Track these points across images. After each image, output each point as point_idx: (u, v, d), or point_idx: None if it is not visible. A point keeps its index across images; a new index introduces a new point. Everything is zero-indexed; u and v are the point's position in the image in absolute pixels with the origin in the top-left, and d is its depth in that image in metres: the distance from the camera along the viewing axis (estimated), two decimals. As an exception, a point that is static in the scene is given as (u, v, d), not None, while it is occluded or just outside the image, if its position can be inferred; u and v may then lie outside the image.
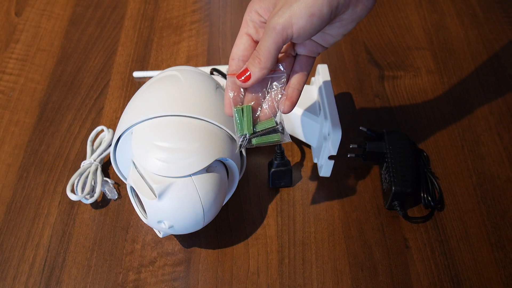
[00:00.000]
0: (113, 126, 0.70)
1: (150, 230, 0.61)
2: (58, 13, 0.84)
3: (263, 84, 0.47)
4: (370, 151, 0.64)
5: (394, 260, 0.59)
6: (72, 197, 0.59)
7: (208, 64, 0.77)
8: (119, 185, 0.64)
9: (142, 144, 0.52)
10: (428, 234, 0.60)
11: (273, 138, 0.47)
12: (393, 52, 0.79)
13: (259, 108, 0.47)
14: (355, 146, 0.64)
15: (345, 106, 0.72)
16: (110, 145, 0.61)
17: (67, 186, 0.60)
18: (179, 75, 0.57)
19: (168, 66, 0.77)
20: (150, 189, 0.51)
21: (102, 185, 0.62)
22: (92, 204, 0.63)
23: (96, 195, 0.61)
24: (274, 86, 0.47)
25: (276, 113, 0.47)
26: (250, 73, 0.45)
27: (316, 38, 0.47)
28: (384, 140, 0.63)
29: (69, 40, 0.80)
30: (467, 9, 0.85)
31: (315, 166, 0.66)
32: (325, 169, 0.62)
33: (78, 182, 0.61)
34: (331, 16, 0.42)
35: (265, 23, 0.44)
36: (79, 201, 0.62)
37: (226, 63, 0.76)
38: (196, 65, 0.77)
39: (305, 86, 0.67)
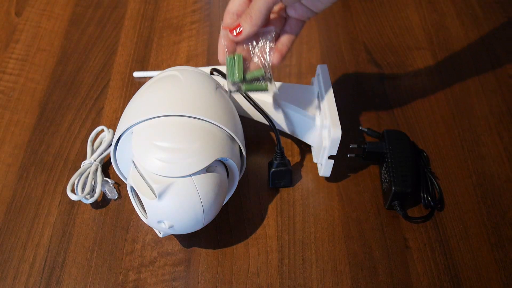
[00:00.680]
0: (113, 126, 0.70)
1: (150, 230, 0.61)
2: (58, 13, 0.84)
3: (254, 38, 0.51)
4: (370, 151, 0.64)
5: (394, 260, 0.59)
6: (72, 197, 0.59)
7: (208, 64, 0.77)
8: (119, 185, 0.64)
9: (142, 144, 0.52)
10: (428, 234, 0.60)
11: (262, 86, 0.52)
12: (393, 52, 0.79)
13: (250, 60, 0.52)
14: (355, 146, 0.64)
15: (345, 106, 0.72)
16: (110, 145, 0.61)
17: (67, 186, 0.60)
18: (179, 75, 0.57)
19: (168, 66, 0.77)
20: (150, 189, 0.51)
21: (102, 185, 0.62)
22: (92, 204, 0.63)
23: (96, 195, 0.61)
24: (263, 41, 0.51)
25: (265, 64, 0.51)
26: (241, 29, 0.49)
27: (306, 2, 0.50)
28: (384, 140, 0.63)
29: (69, 40, 0.80)
30: (467, 9, 0.85)
31: (315, 166, 0.66)
32: (325, 169, 0.62)
33: (78, 182, 0.61)
34: None
35: None
36: (79, 201, 0.62)
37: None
38: (196, 65, 0.77)
39: (305, 86, 0.67)
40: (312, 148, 0.67)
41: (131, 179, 0.53)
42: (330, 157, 0.60)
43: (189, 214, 0.52)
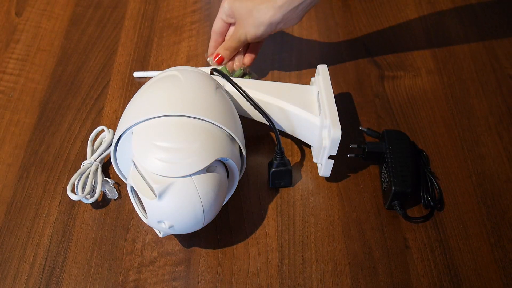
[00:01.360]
0: (113, 126, 0.70)
1: (150, 230, 0.61)
2: (58, 13, 0.85)
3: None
4: (370, 151, 0.64)
5: (394, 260, 0.59)
6: (73, 197, 0.59)
7: (208, 64, 0.77)
8: (120, 185, 0.64)
9: (142, 144, 0.52)
10: (428, 234, 0.60)
11: (246, 78, 0.71)
12: (393, 52, 0.79)
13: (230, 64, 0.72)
14: (355, 146, 0.64)
15: (345, 106, 0.72)
16: (111, 145, 0.61)
17: (67, 186, 0.60)
18: (179, 75, 0.57)
19: (168, 66, 0.77)
20: (150, 189, 0.51)
21: (103, 185, 0.62)
22: (92, 204, 0.63)
23: (96, 195, 0.61)
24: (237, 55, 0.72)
25: (241, 67, 0.72)
26: (221, 56, 0.70)
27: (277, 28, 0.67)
28: (384, 140, 0.63)
29: (69, 40, 0.80)
30: (467, 9, 0.85)
31: (315, 166, 0.66)
32: (325, 169, 0.62)
33: (78, 182, 0.61)
34: (275, 28, 0.66)
35: (230, 16, 0.68)
36: (80, 201, 0.62)
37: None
38: (196, 65, 0.77)
39: (305, 86, 0.67)
40: (312, 148, 0.68)
41: (131, 179, 0.53)
42: (330, 157, 0.60)
43: (189, 214, 0.52)
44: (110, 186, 0.63)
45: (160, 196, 0.50)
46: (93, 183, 0.62)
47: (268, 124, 0.61)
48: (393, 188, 0.59)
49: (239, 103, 0.65)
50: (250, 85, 0.65)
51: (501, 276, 0.58)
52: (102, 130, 0.67)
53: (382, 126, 0.70)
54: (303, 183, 0.65)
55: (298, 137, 0.66)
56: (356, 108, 0.72)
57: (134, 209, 0.61)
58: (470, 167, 0.66)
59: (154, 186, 0.50)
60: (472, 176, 0.66)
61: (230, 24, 0.70)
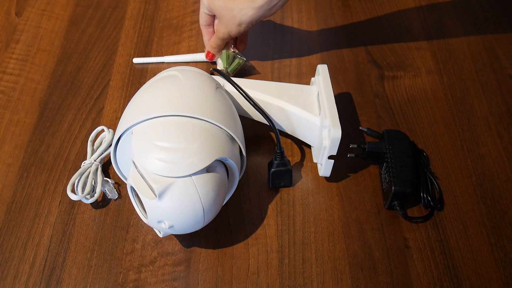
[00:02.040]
0: (113, 126, 0.70)
1: (150, 230, 0.61)
2: (58, 13, 0.85)
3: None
4: (370, 151, 0.64)
5: (394, 260, 0.59)
6: (73, 197, 0.59)
7: (208, 64, 0.77)
8: (119, 185, 0.64)
9: (142, 144, 0.52)
10: (428, 234, 0.60)
11: (237, 61, 0.74)
12: (393, 52, 0.79)
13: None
14: (355, 146, 0.64)
15: (345, 106, 0.72)
16: (111, 145, 0.61)
17: (67, 186, 0.60)
18: (179, 75, 0.57)
19: (168, 66, 0.77)
20: (150, 189, 0.51)
21: (103, 185, 0.62)
22: (92, 204, 0.63)
23: (96, 195, 0.61)
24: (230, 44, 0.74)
25: (235, 51, 0.75)
26: (211, 53, 0.74)
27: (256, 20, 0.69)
28: (384, 140, 0.63)
29: (69, 40, 0.80)
30: (467, 9, 0.85)
31: (315, 166, 0.66)
32: (325, 169, 0.62)
33: (78, 182, 0.61)
34: (255, 23, 0.68)
35: (210, 11, 0.70)
36: (80, 201, 0.62)
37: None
38: (196, 65, 0.77)
39: (305, 86, 0.67)
40: (312, 148, 0.68)
41: (131, 179, 0.53)
42: (330, 157, 0.60)
43: (189, 214, 0.52)
44: (110, 186, 0.63)
45: (160, 196, 0.50)
46: (93, 183, 0.62)
47: (268, 124, 0.61)
48: (393, 188, 0.59)
49: (239, 103, 0.65)
50: (250, 85, 0.65)
51: (501, 276, 0.58)
52: (102, 130, 0.67)
53: (382, 126, 0.70)
54: (303, 183, 0.65)
55: (298, 137, 0.66)
56: (356, 108, 0.72)
57: (134, 209, 0.61)
58: (470, 167, 0.66)
59: (154, 186, 0.50)
60: (472, 176, 0.66)
61: (214, 16, 0.72)
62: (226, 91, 0.63)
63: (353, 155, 0.65)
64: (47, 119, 0.71)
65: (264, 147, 0.68)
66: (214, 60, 0.75)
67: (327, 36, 0.81)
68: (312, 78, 0.69)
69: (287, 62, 0.78)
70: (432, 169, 0.66)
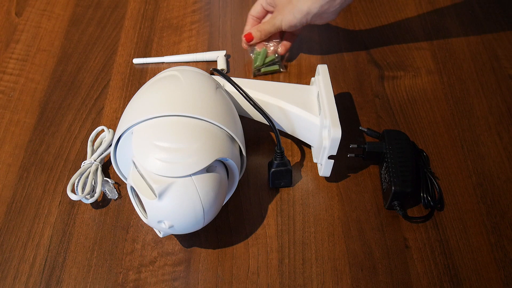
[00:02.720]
0: (113, 126, 0.70)
1: (150, 230, 0.61)
2: (58, 13, 0.85)
3: (267, 40, 0.76)
4: (370, 151, 0.64)
5: (394, 260, 0.59)
6: (73, 197, 0.59)
7: (208, 64, 0.77)
8: (119, 185, 0.64)
9: (142, 144, 0.52)
10: (428, 234, 0.61)
11: (275, 67, 0.75)
12: (393, 52, 0.79)
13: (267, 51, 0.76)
14: (355, 146, 0.64)
15: (345, 106, 0.72)
16: (110, 145, 0.61)
17: (67, 186, 0.60)
18: (179, 75, 0.57)
19: (168, 66, 0.77)
20: (150, 189, 0.51)
21: (103, 185, 0.62)
22: (92, 204, 0.63)
23: (96, 195, 0.61)
24: (274, 42, 0.76)
25: (276, 54, 0.76)
26: (252, 35, 0.73)
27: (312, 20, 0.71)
28: (384, 140, 0.63)
29: (69, 40, 0.81)
30: (467, 9, 0.85)
31: (315, 166, 0.66)
32: (325, 169, 0.62)
33: (78, 182, 0.61)
34: (311, 19, 0.70)
35: (270, 4, 0.72)
36: (80, 201, 0.62)
37: (226, 63, 0.77)
38: (196, 65, 0.77)
39: (305, 86, 0.67)
40: (312, 148, 0.68)
41: (131, 179, 0.53)
42: (330, 157, 0.60)
43: (189, 214, 0.52)
44: (110, 186, 0.63)
45: (160, 196, 0.50)
46: (93, 183, 0.62)
47: (268, 124, 0.61)
48: (393, 188, 0.59)
49: (239, 103, 0.65)
50: (250, 85, 0.65)
51: (501, 276, 0.58)
52: (102, 130, 0.67)
53: (382, 126, 0.70)
54: (303, 183, 0.65)
55: (298, 137, 0.66)
56: (356, 108, 0.72)
57: (134, 209, 0.61)
58: (470, 167, 0.66)
59: (154, 186, 0.50)
60: (472, 176, 0.66)
61: (267, 12, 0.74)
62: (226, 91, 0.63)
63: (353, 155, 0.65)
64: (47, 119, 0.71)
65: (264, 147, 0.68)
66: (251, 46, 0.75)
67: (327, 36, 0.81)
68: (312, 78, 0.69)
69: (287, 62, 0.78)
70: (432, 169, 0.66)
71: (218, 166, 0.55)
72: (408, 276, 0.58)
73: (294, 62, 0.78)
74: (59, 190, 0.64)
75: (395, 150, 0.62)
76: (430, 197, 0.62)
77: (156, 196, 0.50)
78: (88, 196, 0.61)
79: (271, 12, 0.73)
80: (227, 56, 0.78)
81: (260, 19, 0.74)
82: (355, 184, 0.65)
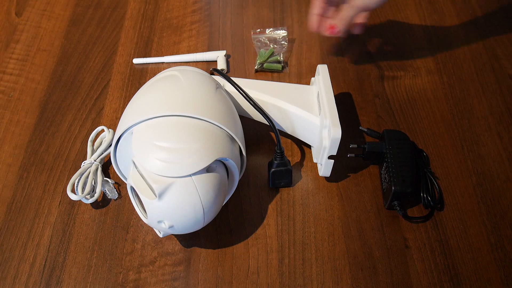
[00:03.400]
0: (113, 126, 0.70)
1: (150, 230, 0.61)
2: (58, 13, 0.85)
3: (275, 42, 0.78)
4: (370, 151, 0.64)
5: (394, 260, 0.59)
6: (73, 197, 0.59)
7: (208, 64, 0.77)
8: (119, 185, 0.64)
9: (142, 144, 0.52)
10: (428, 234, 0.60)
11: (277, 66, 0.76)
12: (393, 52, 0.79)
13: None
14: (355, 146, 0.64)
15: (345, 106, 0.72)
16: (111, 145, 0.61)
17: (67, 186, 0.60)
18: (179, 75, 0.57)
19: (168, 66, 0.77)
20: (150, 189, 0.51)
21: (103, 185, 0.62)
22: (92, 204, 0.63)
23: (96, 195, 0.61)
24: (278, 45, 0.79)
25: (279, 54, 0.77)
26: (337, 28, 0.69)
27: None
28: (384, 140, 0.63)
29: (69, 40, 0.81)
30: (467, 9, 0.85)
31: (315, 166, 0.66)
32: (325, 169, 0.62)
33: (78, 182, 0.61)
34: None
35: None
36: (80, 201, 0.62)
37: (226, 63, 0.77)
38: (196, 65, 0.77)
39: (305, 86, 0.67)
40: (312, 148, 0.68)
41: (131, 179, 0.53)
42: (330, 157, 0.60)
43: (189, 214, 0.52)
44: (110, 186, 0.63)
45: (160, 196, 0.50)
46: (93, 183, 0.62)
47: (268, 124, 0.61)
48: (393, 188, 0.59)
49: (239, 103, 0.65)
50: (250, 85, 0.65)
51: (501, 276, 0.58)
52: (102, 130, 0.67)
53: (382, 126, 0.70)
54: (303, 183, 0.65)
55: (298, 137, 0.66)
56: (356, 108, 0.72)
57: (134, 209, 0.61)
58: (470, 167, 0.66)
59: (154, 186, 0.50)
60: (472, 176, 0.66)
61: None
62: (226, 91, 0.63)
63: (353, 155, 0.65)
64: (47, 119, 0.71)
65: (264, 147, 0.68)
66: (336, 35, 0.70)
67: (327, 36, 0.81)
68: (312, 78, 0.69)
69: (287, 62, 0.78)
70: (432, 169, 0.66)
71: (218, 166, 0.55)
72: (408, 276, 0.58)
73: (294, 62, 0.78)
74: (59, 190, 0.64)
75: (395, 150, 0.62)
76: (430, 197, 0.62)
77: (156, 196, 0.50)
78: (88, 196, 0.61)
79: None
80: (227, 56, 0.78)
81: (327, 3, 0.69)
82: (355, 184, 0.65)
